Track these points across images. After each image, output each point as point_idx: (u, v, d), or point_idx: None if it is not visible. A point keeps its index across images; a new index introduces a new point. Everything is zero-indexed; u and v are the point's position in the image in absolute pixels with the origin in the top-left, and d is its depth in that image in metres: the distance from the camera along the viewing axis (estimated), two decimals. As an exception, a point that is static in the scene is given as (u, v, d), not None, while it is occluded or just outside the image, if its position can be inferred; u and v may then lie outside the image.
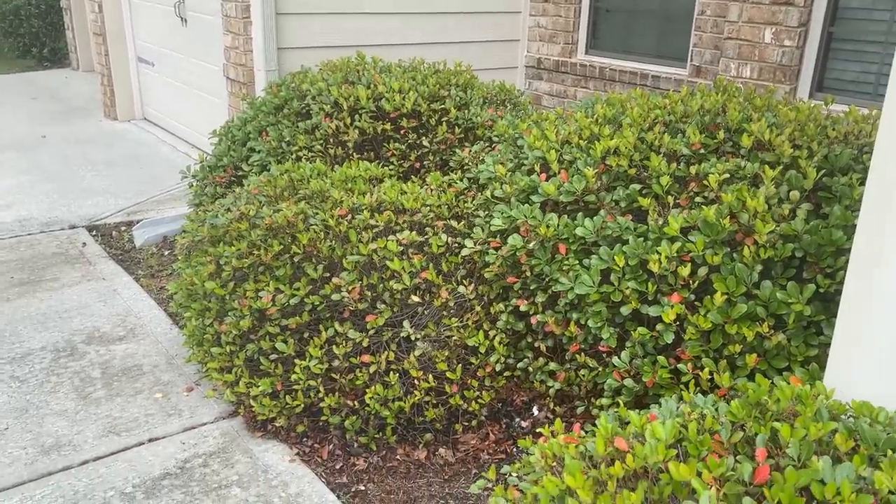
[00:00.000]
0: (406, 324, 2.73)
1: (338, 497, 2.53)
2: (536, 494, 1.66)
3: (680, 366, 2.40)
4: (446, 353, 2.74)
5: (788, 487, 1.43)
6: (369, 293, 2.76)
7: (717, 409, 1.79)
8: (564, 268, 2.66)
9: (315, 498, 2.50)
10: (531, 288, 2.80)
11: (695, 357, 2.41)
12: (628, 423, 1.79)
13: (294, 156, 3.82)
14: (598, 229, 2.66)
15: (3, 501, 2.45)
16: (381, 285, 2.78)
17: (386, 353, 2.71)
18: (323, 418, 2.76)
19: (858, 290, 1.83)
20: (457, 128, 3.90)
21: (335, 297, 2.73)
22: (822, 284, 2.36)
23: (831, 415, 1.73)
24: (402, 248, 2.85)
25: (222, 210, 3.19)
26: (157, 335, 3.54)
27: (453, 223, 3.02)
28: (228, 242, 3.03)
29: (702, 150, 2.82)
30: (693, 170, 2.69)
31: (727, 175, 2.60)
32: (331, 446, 2.76)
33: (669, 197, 2.66)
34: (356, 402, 2.72)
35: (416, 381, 2.71)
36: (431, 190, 3.24)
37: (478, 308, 2.85)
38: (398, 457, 2.74)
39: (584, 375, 2.66)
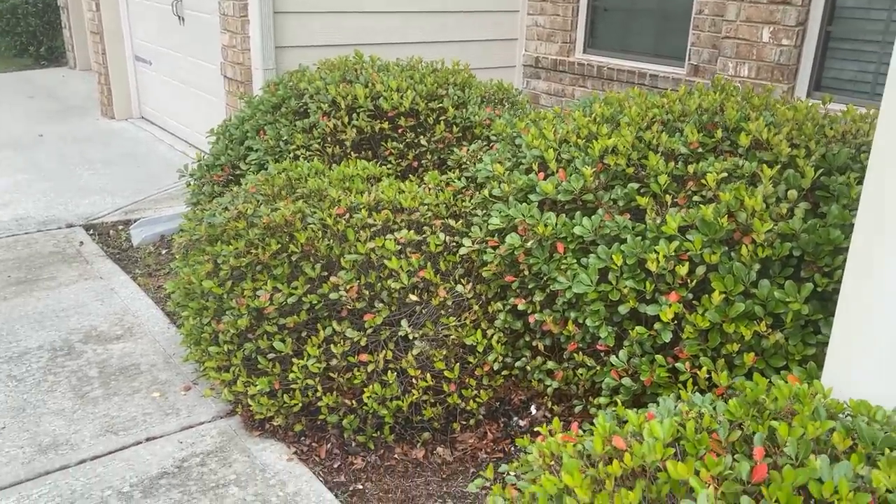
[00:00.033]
0: (404, 323, 2.73)
1: (336, 496, 2.53)
2: (534, 493, 1.66)
3: (678, 365, 2.40)
4: (444, 352, 2.74)
5: (786, 486, 1.43)
6: (367, 292, 2.76)
7: (714, 408, 1.79)
8: (562, 267, 2.66)
9: (313, 497, 2.50)
10: (529, 287, 2.80)
11: (693, 356, 2.41)
12: (626, 421, 1.79)
13: (292, 155, 3.82)
14: (596, 228, 2.66)
15: (0, 501, 2.45)
16: (379, 284, 2.78)
17: (384, 352, 2.71)
18: (321, 417, 2.76)
19: (856, 289, 1.83)
20: (455, 127, 3.90)
21: (333, 296, 2.73)
22: (820, 283, 2.36)
23: (829, 414, 1.73)
24: (400, 247, 2.85)
25: (220, 209, 3.19)
26: (155, 334, 3.53)
27: (451, 222, 3.02)
28: (226, 241, 3.03)
29: (700, 149, 2.82)
30: (691, 169, 2.69)
31: (725, 174, 2.60)
32: (329, 445, 2.76)
33: (667, 196, 2.66)
34: (354, 401, 2.72)
35: (413, 381, 2.71)
36: (429, 189, 3.24)
37: (476, 307, 2.85)
38: (396, 456, 2.74)
39: (581, 374, 2.66)
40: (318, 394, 2.70)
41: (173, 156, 6.39)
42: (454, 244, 2.97)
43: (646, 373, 2.44)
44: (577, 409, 2.73)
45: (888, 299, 1.77)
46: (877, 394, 1.79)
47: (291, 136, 3.88)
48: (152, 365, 3.27)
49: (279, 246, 2.88)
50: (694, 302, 2.45)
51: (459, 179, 3.34)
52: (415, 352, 2.71)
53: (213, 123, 5.30)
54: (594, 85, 5.63)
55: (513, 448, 2.79)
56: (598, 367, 2.62)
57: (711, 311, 2.35)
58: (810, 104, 3.09)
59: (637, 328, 2.46)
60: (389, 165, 3.76)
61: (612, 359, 2.52)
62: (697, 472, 1.51)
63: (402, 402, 2.68)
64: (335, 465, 2.69)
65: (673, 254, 2.44)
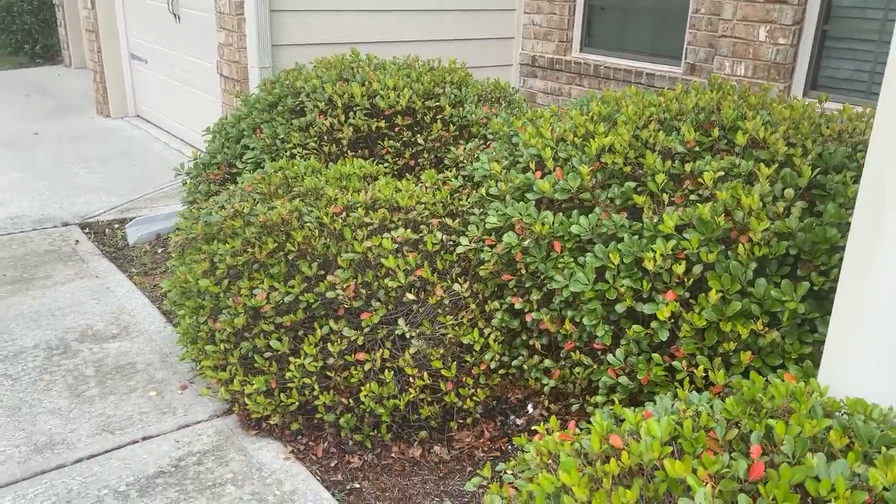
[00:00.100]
0: (401, 322, 2.73)
1: (333, 495, 2.52)
2: (532, 492, 1.66)
3: (675, 363, 2.41)
4: (441, 351, 2.74)
5: (783, 484, 1.43)
6: (364, 291, 2.76)
7: (711, 407, 1.79)
8: (559, 265, 2.66)
9: (310, 496, 2.50)
10: (526, 286, 2.80)
11: (689, 355, 2.41)
12: (623, 420, 1.79)
13: (288, 153, 3.81)
14: (593, 227, 2.66)
15: (-5, 500, 2.45)
16: (376, 283, 2.77)
17: (381, 350, 2.70)
18: (318, 416, 2.76)
19: (853, 287, 1.83)
20: (451, 125, 3.90)
21: (330, 294, 2.72)
22: (817, 282, 2.36)
23: (826, 412, 1.73)
24: (396, 246, 2.84)
25: (216, 207, 3.18)
26: (151, 333, 3.52)
27: (448, 221, 3.02)
28: (222, 240, 3.02)
29: (697, 148, 2.82)
30: (688, 167, 2.69)
31: (722, 173, 2.61)
32: (325, 444, 2.76)
33: (664, 195, 2.66)
34: (351, 400, 2.72)
35: (411, 379, 2.71)
36: (426, 188, 3.24)
37: (473, 306, 2.85)
38: (393, 454, 2.74)
39: (578, 373, 2.66)
40: (315, 392, 2.70)
41: (169, 154, 6.37)
42: (451, 243, 2.97)
43: (643, 371, 2.44)
44: (574, 407, 2.74)
45: (885, 298, 1.77)
46: (873, 393, 1.79)
47: (288, 134, 3.87)
48: (148, 364, 3.27)
49: (276, 245, 2.87)
50: (691, 300, 2.46)
51: (456, 178, 3.34)
52: (412, 350, 2.71)
53: (209, 122, 5.29)
54: (591, 84, 5.63)
55: (510, 447, 2.79)
56: (594, 366, 2.62)
57: (708, 310, 2.35)
58: (807, 103, 3.10)
59: (634, 327, 2.46)
60: (386, 164, 3.76)
61: (609, 357, 2.52)
62: (695, 471, 1.51)
63: (399, 400, 2.68)
64: (332, 464, 2.68)
65: (670, 252, 2.44)
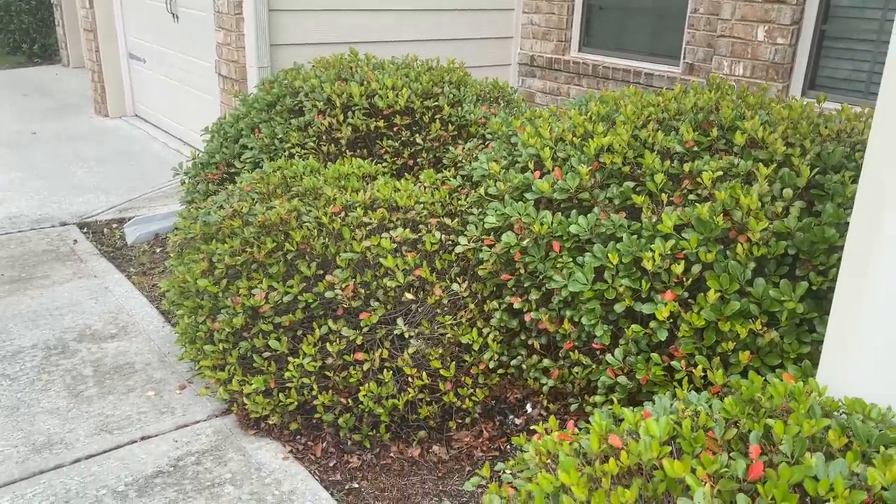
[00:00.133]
0: (400, 321, 2.73)
1: (331, 495, 2.52)
2: (531, 492, 1.66)
3: (673, 363, 2.41)
4: (440, 351, 2.74)
5: (782, 484, 1.43)
6: (363, 291, 2.76)
7: (710, 406, 1.79)
8: (558, 265, 2.66)
9: (308, 495, 2.50)
10: (525, 285, 2.80)
11: (688, 354, 2.42)
12: (622, 420, 1.80)
13: (287, 153, 3.81)
14: (592, 227, 2.67)
15: (-6, 500, 2.44)
16: (375, 283, 2.77)
17: (380, 350, 2.70)
18: (316, 416, 2.75)
19: (851, 287, 1.83)
20: (450, 125, 3.89)
21: (329, 294, 2.72)
22: (815, 282, 2.37)
23: (824, 411, 1.73)
24: (395, 246, 2.84)
25: (215, 207, 3.18)
26: (150, 333, 3.52)
27: (447, 221, 3.02)
28: (221, 240, 3.02)
29: (695, 148, 2.82)
30: (686, 167, 2.70)
31: (720, 173, 2.61)
32: (324, 444, 2.76)
33: (663, 194, 2.66)
34: (350, 400, 2.72)
35: (409, 379, 2.71)
36: (425, 187, 3.24)
37: (471, 306, 2.85)
38: (392, 454, 2.74)
39: (577, 373, 2.66)
40: (314, 392, 2.70)
41: (167, 154, 6.37)
42: (450, 243, 2.97)
43: (641, 371, 2.44)
44: (573, 407, 2.74)
45: (883, 298, 1.77)
46: (871, 392, 1.80)
47: (286, 134, 3.87)
48: (147, 364, 3.26)
49: (274, 244, 2.87)
50: (689, 300, 2.46)
51: (455, 178, 3.34)
52: (411, 350, 2.71)
53: (208, 121, 5.28)
54: (589, 83, 5.63)
55: (508, 446, 2.79)
56: (593, 366, 2.62)
57: (707, 310, 2.36)
58: (805, 103, 3.10)
59: (633, 326, 2.46)
60: (385, 164, 3.76)
61: (608, 357, 2.52)
62: (694, 471, 1.52)
63: (398, 400, 2.68)
64: (331, 464, 2.68)
65: (669, 252, 2.44)
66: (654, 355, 2.43)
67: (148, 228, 4.70)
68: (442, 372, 2.72)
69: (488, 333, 2.83)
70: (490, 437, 2.82)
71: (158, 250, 4.51)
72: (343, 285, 2.73)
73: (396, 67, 4.23)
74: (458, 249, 2.90)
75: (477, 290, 2.91)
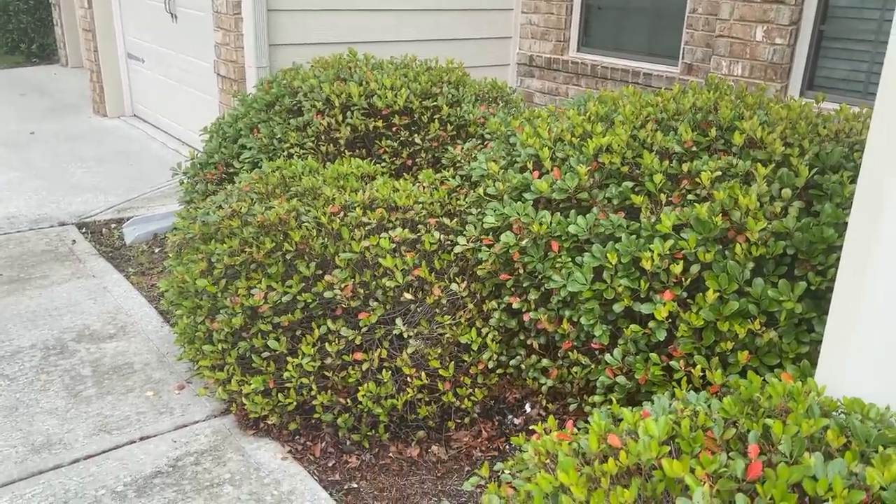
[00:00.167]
0: (399, 321, 2.73)
1: (330, 495, 2.52)
2: (530, 491, 1.66)
3: (672, 363, 2.41)
4: (439, 351, 2.74)
5: (781, 484, 1.43)
6: (362, 291, 2.76)
7: (709, 406, 1.79)
8: (557, 265, 2.67)
9: (307, 495, 2.50)
10: (524, 285, 2.80)
11: (687, 354, 2.42)
12: (621, 420, 1.80)
13: (286, 153, 3.81)
14: (591, 227, 2.67)
15: (-8, 500, 2.44)
16: (374, 283, 2.77)
17: (378, 350, 2.70)
18: (315, 416, 2.75)
19: (850, 287, 1.84)
20: (449, 125, 3.90)
21: (327, 294, 2.72)
22: (814, 282, 2.37)
23: (823, 411, 1.74)
24: (394, 246, 2.84)
25: (214, 207, 3.18)
26: (148, 333, 3.52)
27: (446, 221, 3.02)
28: (220, 240, 3.02)
29: (694, 148, 2.83)
30: (685, 167, 2.70)
31: (719, 173, 2.61)
32: (323, 444, 2.76)
33: (662, 194, 2.67)
34: (349, 400, 2.72)
35: (408, 379, 2.71)
36: (424, 187, 3.24)
37: (470, 306, 2.85)
38: (391, 454, 2.74)
39: (576, 373, 2.66)
40: (313, 392, 2.70)
41: (166, 154, 6.36)
42: (449, 243, 2.97)
43: (640, 371, 2.44)
44: (572, 407, 2.74)
45: (882, 297, 1.78)
46: (870, 392, 1.80)
47: (285, 134, 3.87)
48: (146, 364, 3.26)
49: (273, 244, 2.87)
50: (688, 300, 2.46)
51: (454, 178, 3.34)
52: (409, 350, 2.71)
53: (206, 121, 5.28)
54: (588, 83, 5.63)
55: (507, 446, 2.79)
56: (592, 366, 2.62)
57: (706, 310, 2.36)
58: (804, 103, 3.10)
59: (631, 326, 2.47)
60: (384, 164, 3.76)
61: (607, 357, 2.52)
62: (693, 470, 1.52)
63: (397, 400, 2.68)
64: (330, 464, 2.68)
65: (667, 252, 2.45)
66: (653, 355, 2.43)
67: (147, 228, 4.69)
68: (441, 372, 2.72)
69: (487, 333, 2.83)
70: (489, 437, 2.82)
71: (157, 250, 4.51)
72: (342, 285, 2.73)
73: (395, 67, 4.23)
74: (457, 249, 2.90)
75: (476, 290, 2.91)
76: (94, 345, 3.40)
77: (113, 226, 4.86)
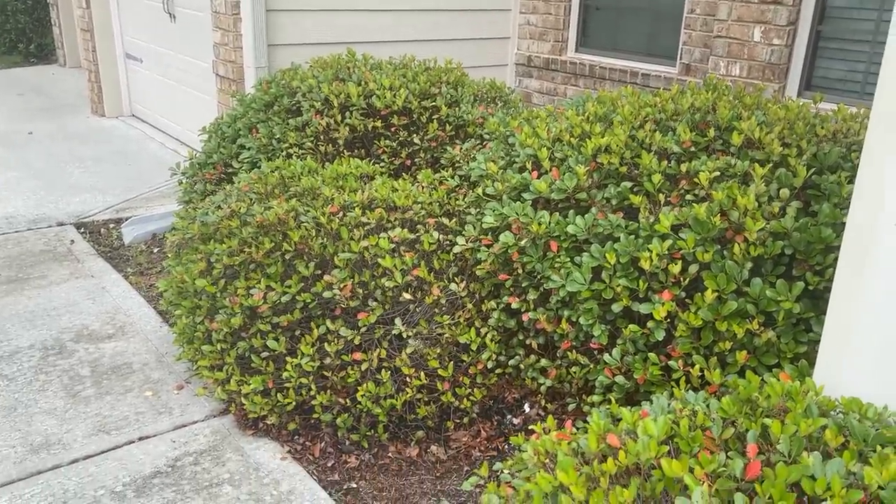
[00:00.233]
0: (398, 321, 2.73)
1: (330, 495, 2.53)
2: (529, 491, 1.67)
3: (671, 363, 2.42)
4: (438, 351, 2.74)
5: (779, 483, 1.44)
6: (361, 291, 2.76)
7: (708, 406, 1.80)
8: (556, 265, 2.67)
9: (307, 495, 2.50)
10: (523, 285, 2.80)
11: (685, 354, 2.42)
12: (620, 419, 1.80)
13: (284, 153, 3.81)
14: (590, 227, 2.67)
15: (-9, 501, 2.44)
16: (373, 283, 2.78)
17: (378, 350, 2.71)
18: (314, 416, 2.76)
19: (848, 287, 1.84)
20: (448, 125, 3.90)
21: (327, 294, 2.72)
22: (812, 282, 2.38)
23: (821, 411, 1.74)
24: (393, 246, 2.85)
25: (213, 207, 3.18)
26: (147, 333, 3.52)
27: (445, 221, 3.02)
28: (219, 240, 3.02)
29: (692, 148, 2.83)
30: (684, 167, 2.70)
31: (717, 173, 2.62)
32: (322, 444, 2.76)
33: (660, 195, 2.67)
34: (348, 400, 2.72)
35: (407, 379, 2.71)
36: (423, 187, 3.24)
37: (469, 305, 2.86)
38: (390, 454, 2.74)
39: (575, 372, 2.67)
40: (312, 392, 2.70)
41: (164, 154, 6.36)
42: (448, 243, 2.97)
43: (639, 371, 2.45)
44: (571, 407, 2.74)
45: (879, 297, 1.78)
46: (868, 392, 1.81)
47: (284, 134, 3.87)
48: (144, 364, 3.26)
49: (273, 244, 2.87)
50: (687, 300, 2.47)
51: (453, 178, 3.34)
52: (409, 350, 2.71)
53: (205, 121, 5.28)
54: (586, 84, 5.64)
55: (506, 446, 2.80)
56: (591, 366, 2.63)
57: (704, 310, 2.36)
58: (801, 103, 3.11)
59: (630, 326, 2.47)
60: (382, 164, 3.76)
61: (606, 357, 2.53)
62: (692, 470, 1.52)
63: (396, 400, 2.68)
64: (329, 464, 2.69)
65: (666, 252, 2.45)
66: (652, 355, 2.44)
67: (145, 228, 4.69)
68: (440, 372, 2.72)
69: (486, 333, 2.83)
70: (488, 436, 2.83)
71: (156, 250, 4.51)
72: (341, 285, 2.73)
73: (394, 68, 4.23)
74: (456, 249, 2.90)
75: (475, 290, 2.92)
76: (92, 345, 3.40)
77: (111, 226, 4.86)
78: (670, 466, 1.51)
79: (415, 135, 3.85)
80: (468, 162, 3.51)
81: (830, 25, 4.37)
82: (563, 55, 5.83)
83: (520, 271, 2.77)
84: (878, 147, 1.74)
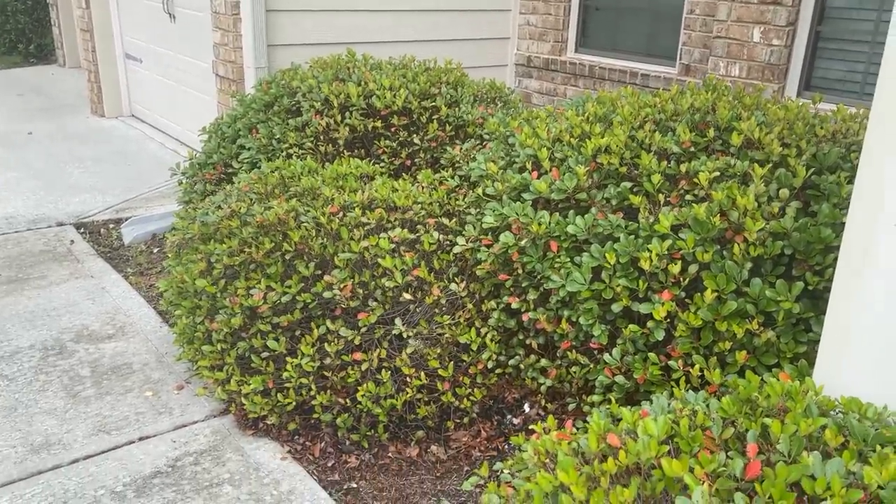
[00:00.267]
0: (398, 321, 2.73)
1: (330, 494, 2.53)
2: (530, 491, 1.67)
3: (671, 363, 2.42)
4: (438, 351, 2.74)
5: (779, 483, 1.44)
6: (361, 291, 2.76)
7: (707, 406, 1.80)
8: (556, 265, 2.67)
9: (307, 495, 2.50)
10: (523, 285, 2.81)
11: (685, 354, 2.43)
12: (620, 419, 1.80)
13: (284, 153, 3.81)
14: (590, 227, 2.67)
15: (-8, 501, 2.44)
16: (373, 283, 2.78)
17: (378, 350, 2.71)
18: (315, 416, 2.76)
19: (847, 287, 1.85)
20: (447, 125, 3.90)
21: (327, 294, 2.73)
22: (811, 282, 2.38)
23: (821, 411, 1.74)
24: (393, 246, 2.85)
25: (213, 207, 3.18)
26: (147, 333, 3.52)
27: (445, 221, 3.03)
28: (219, 240, 3.02)
29: (692, 149, 2.84)
30: (683, 168, 2.71)
31: (717, 173, 2.62)
32: (322, 444, 2.76)
33: (660, 195, 2.67)
34: (348, 400, 2.72)
35: (407, 379, 2.72)
36: (423, 187, 3.24)
37: (469, 306, 2.86)
38: (390, 454, 2.74)
39: (575, 372, 2.67)
40: (312, 392, 2.70)
41: (164, 154, 6.36)
42: (448, 243, 2.98)
43: (639, 370, 2.45)
44: (571, 406, 2.75)
45: (879, 297, 1.79)
46: (868, 392, 1.81)
47: (284, 134, 3.87)
48: (144, 364, 3.26)
49: (273, 244, 2.88)
50: (686, 300, 2.47)
51: (453, 178, 3.34)
52: (409, 350, 2.71)
53: (205, 122, 5.28)
54: (586, 84, 5.64)
55: (506, 446, 2.80)
56: (591, 365, 2.63)
57: (704, 310, 2.37)
58: (801, 104, 3.12)
59: (630, 326, 2.47)
60: (382, 164, 3.76)
61: (606, 357, 2.53)
62: (692, 470, 1.53)
63: (396, 400, 2.68)
64: (329, 464, 2.69)
65: (666, 252, 2.46)
66: (652, 355, 2.44)
67: (145, 229, 4.69)
68: (440, 372, 2.72)
69: (486, 333, 2.84)
70: (488, 436, 2.83)
71: (156, 251, 4.51)
72: (341, 285, 2.73)
73: (394, 68, 4.24)
74: (457, 249, 2.90)
75: (475, 290, 2.92)
76: (92, 345, 3.40)
77: (111, 226, 4.86)
78: (670, 466, 1.51)
79: (415, 135, 3.85)
80: (468, 162, 3.51)
81: (830, 26, 4.37)
82: (562, 55, 5.84)
83: (520, 271, 2.77)
84: (877, 147, 1.74)
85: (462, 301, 2.86)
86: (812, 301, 2.40)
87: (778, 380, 1.79)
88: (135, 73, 7.22)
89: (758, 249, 2.39)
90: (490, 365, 2.81)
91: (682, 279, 2.45)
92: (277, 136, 3.88)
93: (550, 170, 2.93)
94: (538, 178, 2.93)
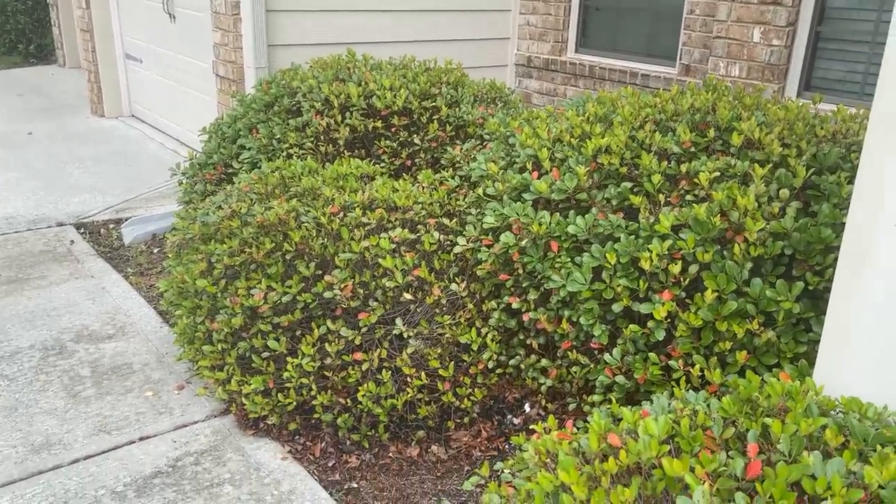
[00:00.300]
0: (398, 321, 2.73)
1: (330, 494, 2.53)
2: (530, 490, 1.67)
3: (671, 362, 2.42)
4: (438, 351, 2.74)
5: (780, 482, 1.44)
6: (361, 291, 2.76)
7: (708, 406, 1.80)
8: (556, 265, 2.68)
9: (308, 495, 2.50)
10: (523, 285, 2.81)
11: (686, 354, 2.43)
12: (621, 419, 1.81)
13: (285, 153, 3.81)
14: (590, 227, 2.68)
15: (-8, 501, 2.44)
16: (374, 283, 2.78)
17: (378, 350, 2.71)
18: (315, 416, 2.76)
19: (847, 287, 1.85)
20: (448, 126, 3.90)
21: (327, 294, 2.73)
22: (811, 282, 2.38)
23: (821, 411, 1.75)
24: (394, 246, 2.85)
25: (213, 207, 3.18)
26: (147, 333, 3.52)
27: (445, 221, 3.03)
28: (220, 240, 3.02)
29: (692, 149, 2.84)
30: (684, 168, 2.71)
31: (717, 173, 2.62)
32: (323, 444, 2.76)
33: (660, 195, 2.68)
34: (348, 400, 2.72)
35: (408, 379, 2.72)
36: (423, 188, 3.25)
37: (470, 306, 2.86)
38: (391, 454, 2.75)
39: (575, 372, 2.67)
40: (313, 392, 2.70)
41: (164, 154, 6.36)
42: (448, 243, 2.98)
43: (639, 370, 2.45)
44: (571, 406, 2.75)
45: (879, 297, 1.79)
46: (868, 392, 1.81)
47: (284, 134, 3.87)
48: (145, 364, 3.27)
49: (273, 245, 2.88)
50: (687, 300, 2.47)
51: (453, 178, 3.35)
52: (409, 350, 2.72)
53: (205, 122, 5.28)
54: (586, 84, 5.64)
55: (507, 446, 2.80)
56: (591, 365, 2.63)
57: (704, 310, 2.37)
58: (801, 104, 3.12)
59: (631, 326, 2.48)
60: (383, 164, 3.77)
61: (606, 357, 2.53)
62: (692, 469, 1.53)
63: (397, 400, 2.68)
64: (330, 464, 2.69)
65: (666, 252, 2.46)
66: (652, 355, 2.44)
67: (145, 229, 4.69)
68: (440, 372, 2.73)
69: (487, 333, 2.84)
70: (488, 436, 2.83)
71: (156, 251, 4.51)
72: (342, 285, 2.74)
73: (394, 68, 4.24)
74: (457, 250, 2.91)
75: (475, 290, 2.92)
76: (92, 345, 3.41)
77: (111, 226, 4.86)
78: (671, 466, 1.51)
79: (415, 135, 3.85)
80: (468, 162, 3.51)
81: (830, 26, 4.37)
82: (562, 56, 5.84)
83: (520, 271, 2.78)
84: (877, 148, 1.74)
85: (463, 301, 2.87)
86: (812, 301, 2.40)
87: (778, 380, 1.80)
88: (135, 73, 7.22)
89: (758, 249, 2.39)
90: (491, 365, 2.81)
91: (682, 279, 2.45)
92: (278, 137, 3.89)
93: (551, 170, 2.94)
94: (539, 178, 2.93)
